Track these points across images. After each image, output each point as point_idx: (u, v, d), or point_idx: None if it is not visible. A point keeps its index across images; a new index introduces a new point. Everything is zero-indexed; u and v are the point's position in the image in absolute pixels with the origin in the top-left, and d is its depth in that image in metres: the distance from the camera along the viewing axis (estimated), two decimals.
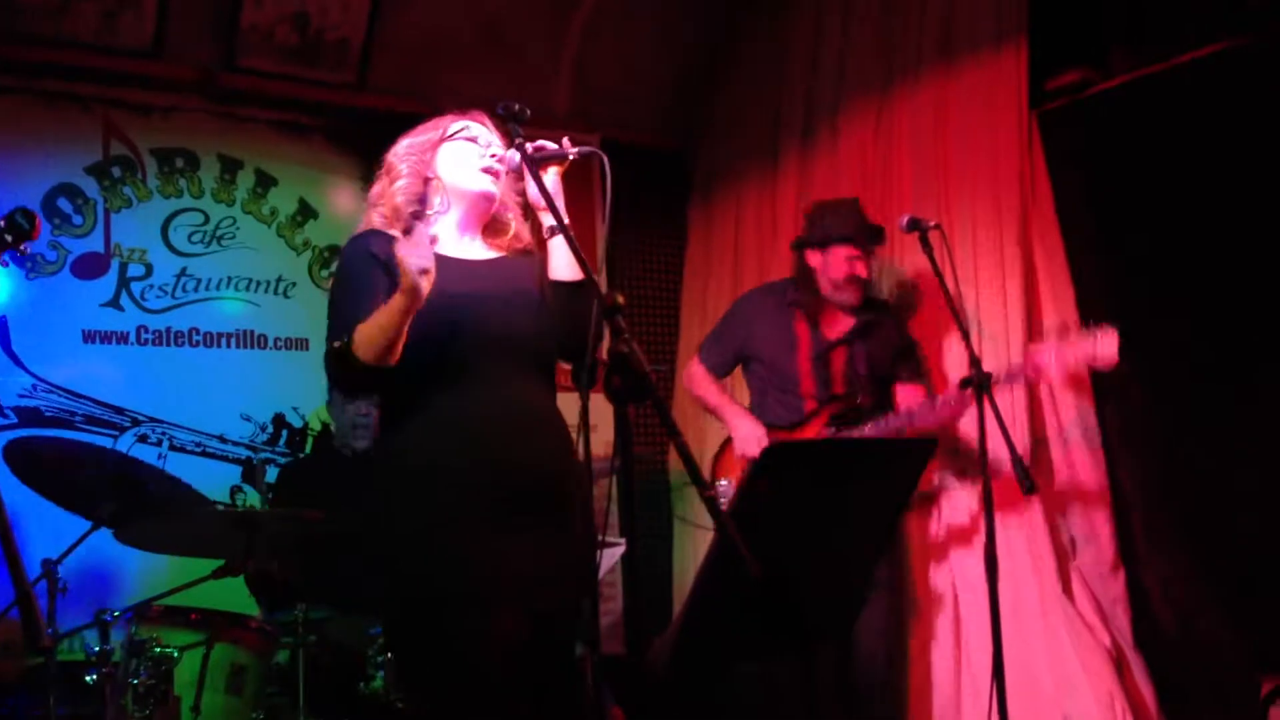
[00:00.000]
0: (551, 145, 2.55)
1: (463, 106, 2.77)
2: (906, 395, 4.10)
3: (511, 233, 2.74)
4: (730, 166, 5.71)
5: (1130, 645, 3.95)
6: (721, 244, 5.69)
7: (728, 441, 4.27)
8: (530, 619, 2.47)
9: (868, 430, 3.95)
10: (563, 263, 2.62)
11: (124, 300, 4.68)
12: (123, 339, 4.65)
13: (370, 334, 2.40)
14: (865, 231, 4.20)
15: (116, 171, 4.72)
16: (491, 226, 2.74)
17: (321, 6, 4.89)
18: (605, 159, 2.42)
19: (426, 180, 2.63)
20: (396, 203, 2.61)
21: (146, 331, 4.70)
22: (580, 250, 2.36)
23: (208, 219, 4.89)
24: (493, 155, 2.64)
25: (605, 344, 2.05)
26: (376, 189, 2.69)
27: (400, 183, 2.63)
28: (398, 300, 2.36)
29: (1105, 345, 3.52)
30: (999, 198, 4.29)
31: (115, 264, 4.68)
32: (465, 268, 2.60)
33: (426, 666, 2.49)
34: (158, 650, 3.33)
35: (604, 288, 2.16)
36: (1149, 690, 3.87)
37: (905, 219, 3.62)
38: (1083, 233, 4.18)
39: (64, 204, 4.61)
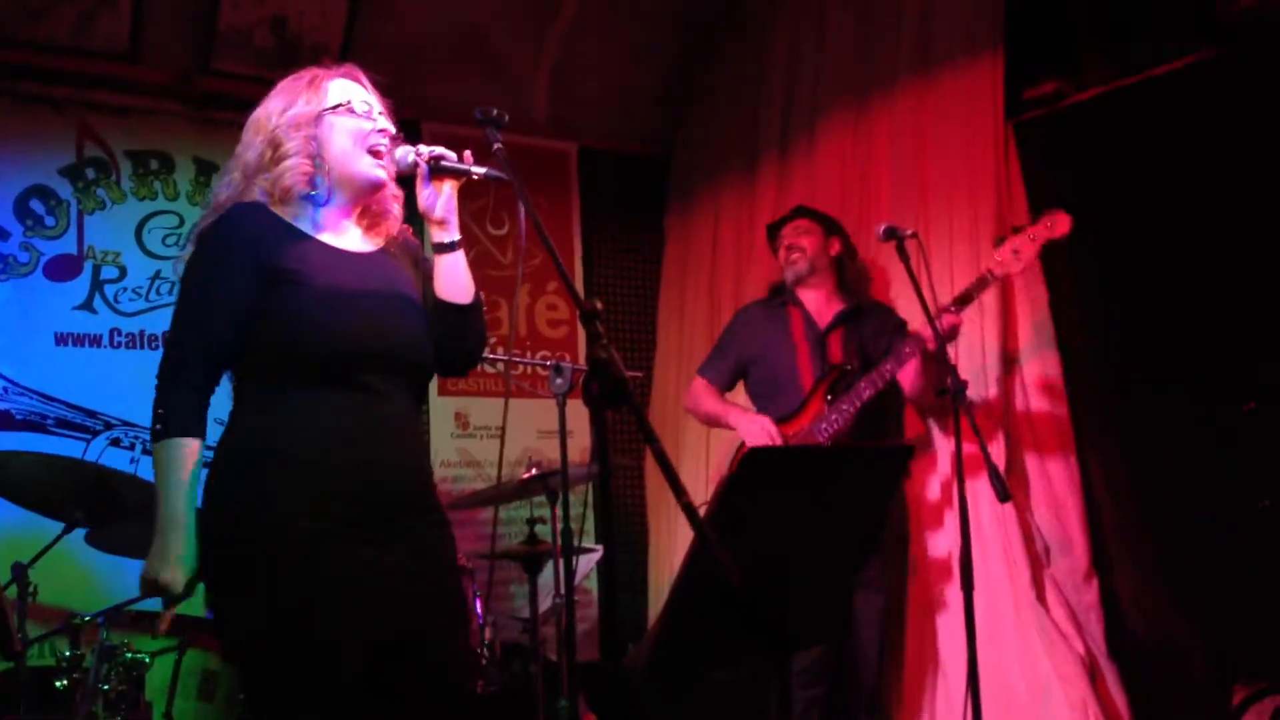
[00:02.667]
0: (451, 155, 2.41)
1: (334, 61, 2.57)
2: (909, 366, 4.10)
3: (389, 219, 2.54)
4: (708, 174, 5.72)
5: (1103, 653, 3.97)
6: (699, 251, 5.70)
7: (741, 447, 4.25)
8: (369, 646, 2.30)
9: (862, 387, 3.96)
10: (450, 282, 2.47)
11: (97, 303, 4.65)
12: (96, 342, 4.62)
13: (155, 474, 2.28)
14: (794, 211, 4.41)
15: (90, 173, 4.70)
16: (368, 211, 2.52)
17: (299, 10, 4.88)
18: (520, 186, 2.26)
19: (314, 159, 2.40)
20: (287, 184, 2.40)
21: (120, 334, 4.67)
22: (556, 254, 2.16)
23: (182, 222, 4.86)
24: (380, 131, 2.46)
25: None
26: (254, 157, 2.45)
27: (289, 162, 2.40)
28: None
29: (1058, 222, 3.76)
30: (976, 207, 4.32)
31: (89, 266, 4.65)
32: (345, 259, 2.42)
33: (249, 677, 2.39)
34: (129, 656, 3.31)
35: (516, 301, 2.06)
36: (1122, 698, 3.89)
37: (882, 228, 3.64)
38: (1057, 241, 4.20)
39: (37, 205, 4.58)
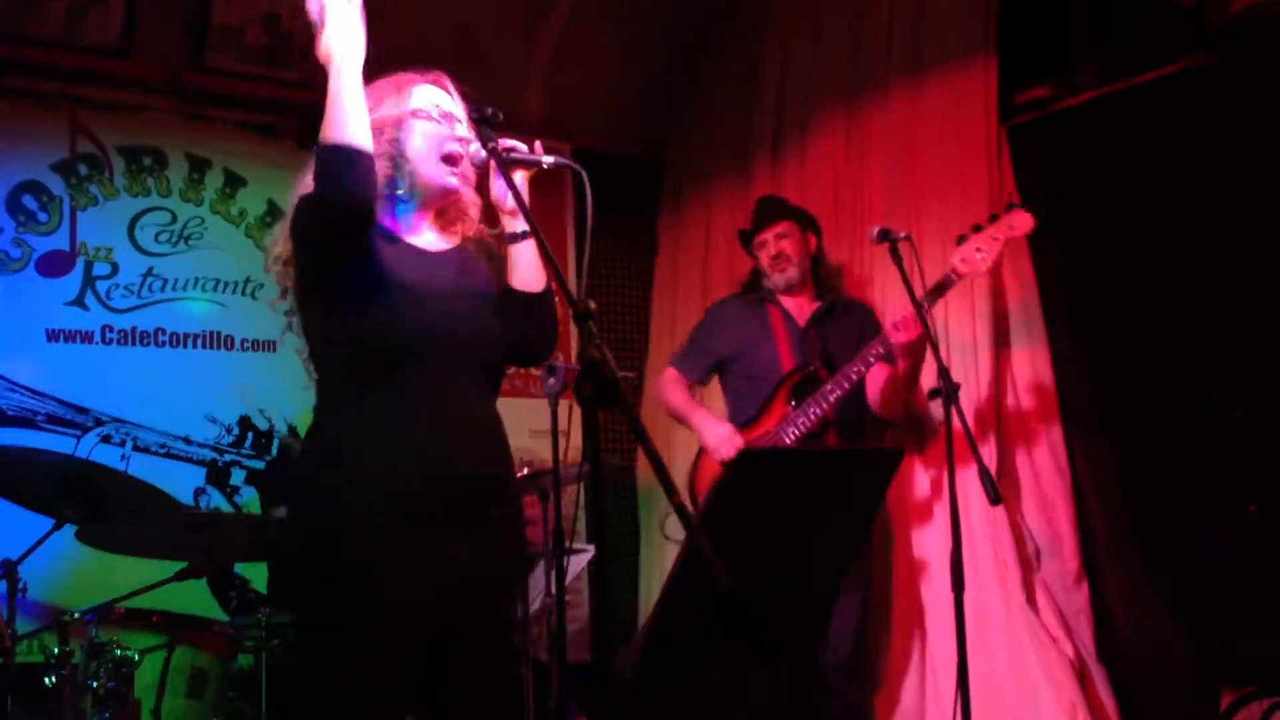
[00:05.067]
0: (522, 147, 2.47)
1: (423, 65, 2.64)
2: (876, 374, 4.08)
3: (465, 220, 2.64)
4: (701, 176, 5.72)
5: (1093, 656, 3.98)
6: (691, 253, 5.70)
7: (697, 459, 4.24)
8: (434, 640, 2.37)
9: (829, 390, 3.93)
10: (524, 271, 2.56)
11: (89, 299, 4.63)
12: (87, 338, 4.61)
13: (330, 113, 2.32)
14: (768, 213, 4.34)
15: (83, 169, 4.69)
16: (445, 212, 2.62)
17: (292, 8, 4.85)
18: (584, 173, 2.34)
19: (394, 160, 2.50)
20: None
21: (111, 331, 4.66)
22: (552, 257, 2.26)
23: (175, 218, 4.85)
24: (459, 139, 2.54)
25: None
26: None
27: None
28: (335, 53, 2.32)
29: (1019, 220, 3.73)
30: (968, 210, 4.31)
31: (81, 262, 4.64)
32: (422, 258, 2.51)
33: (310, 679, 2.43)
34: (118, 653, 3.29)
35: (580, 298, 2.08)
36: (1111, 701, 3.90)
37: (875, 230, 3.64)
38: (1050, 245, 4.22)
39: (29, 201, 4.57)
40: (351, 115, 2.32)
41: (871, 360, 3.89)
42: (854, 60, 4.91)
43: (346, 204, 2.31)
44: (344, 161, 2.30)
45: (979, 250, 3.75)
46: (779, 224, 4.31)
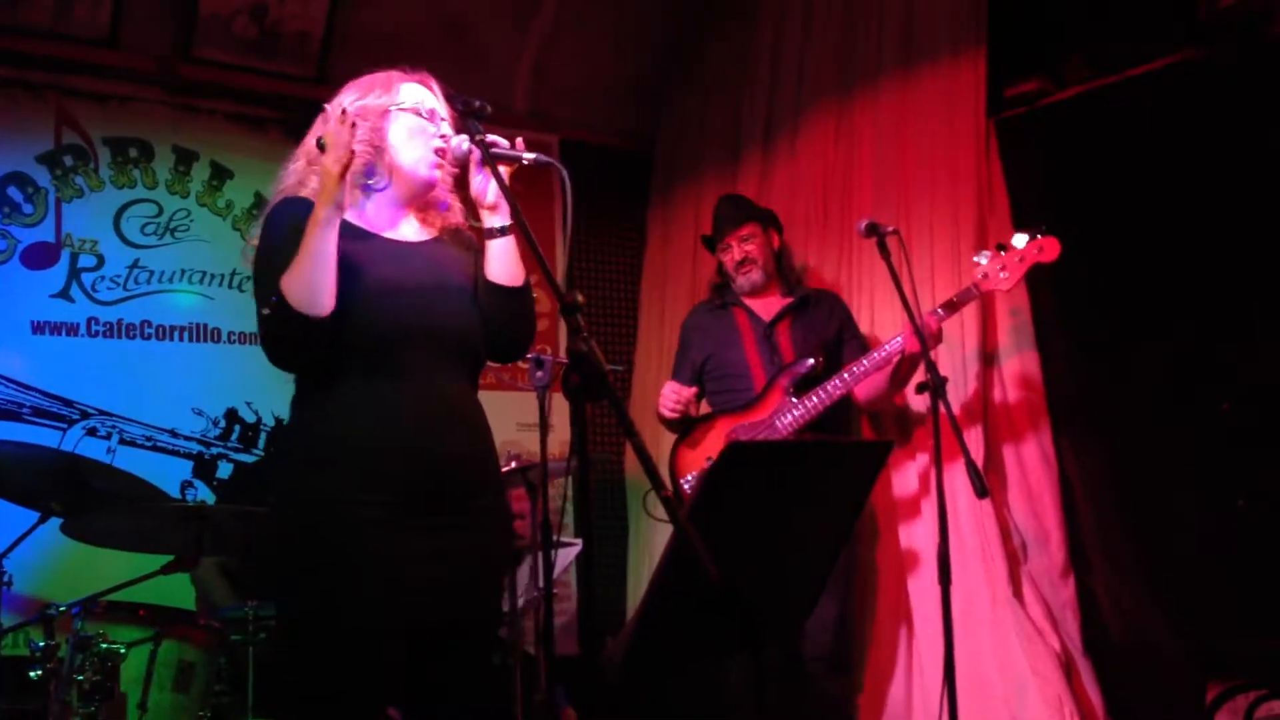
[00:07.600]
0: (504, 143, 2.45)
1: (412, 56, 2.65)
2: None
3: (445, 213, 2.65)
4: (690, 169, 5.71)
5: (1079, 650, 3.99)
6: (680, 246, 5.69)
7: (680, 440, 4.26)
8: (416, 630, 2.37)
9: (834, 386, 3.95)
10: (501, 265, 2.54)
11: (74, 291, 4.61)
12: (73, 330, 4.59)
13: (297, 270, 2.28)
14: (732, 217, 4.36)
15: (68, 160, 4.66)
16: (426, 206, 2.64)
17: None
18: (565, 173, 2.31)
19: (375, 149, 2.50)
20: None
21: (97, 323, 4.64)
22: (538, 248, 2.20)
23: (161, 210, 4.83)
24: (442, 136, 2.55)
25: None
26: (316, 145, 2.53)
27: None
28: (320, 204, 2.30)
29: (1047, 246, 3.74)
30: (957, 204, 4.33)
31: (66, 254, 4.62)
32: (397, 250, 2.52)
33: (292, 669, 2.44)
34: (104, 646, 3.28)
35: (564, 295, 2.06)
36: (1097, 695, 3.91)
37: (864, 224, 3.64)
38: None
39: (14, 193, 4.55)
40: (320, 280, 2.31)
41: (880, 361, 3.91)
42: (844, 54, 4.90)
43: (295, 367, 2.45)
44: (298, 333, 2.33)
45: (1003, 270, 3.78)
46: (743, 227, 4.34)
